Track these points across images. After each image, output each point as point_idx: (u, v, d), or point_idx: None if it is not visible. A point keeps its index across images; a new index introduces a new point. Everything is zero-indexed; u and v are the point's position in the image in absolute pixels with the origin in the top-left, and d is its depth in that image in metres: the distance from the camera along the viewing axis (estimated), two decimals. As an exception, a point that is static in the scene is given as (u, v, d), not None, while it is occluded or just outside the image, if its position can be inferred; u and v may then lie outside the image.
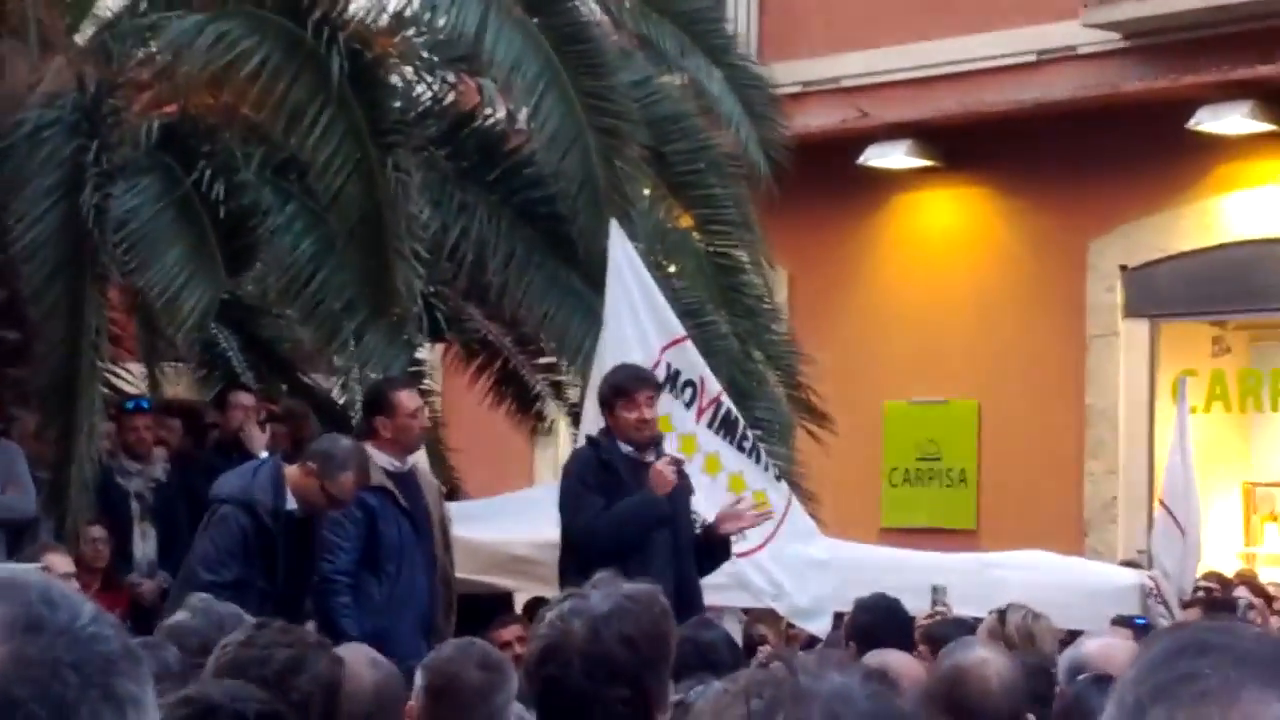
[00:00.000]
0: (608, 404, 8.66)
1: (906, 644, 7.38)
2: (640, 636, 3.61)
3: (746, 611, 10.91)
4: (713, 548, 8.97)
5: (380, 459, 8.77)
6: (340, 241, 10.27)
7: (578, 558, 8.27)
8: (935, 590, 9.86)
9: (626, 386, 8.63)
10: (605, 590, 3.68)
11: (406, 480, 8.91)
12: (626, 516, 8.39)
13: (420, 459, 9.67)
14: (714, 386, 9.78)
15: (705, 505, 9.35)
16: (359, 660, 4.70)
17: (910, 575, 9.96)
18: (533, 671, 3.68)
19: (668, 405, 9.51)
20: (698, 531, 9.04)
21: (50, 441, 10.39)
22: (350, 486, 8.36)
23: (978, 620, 9.72)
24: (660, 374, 9.42)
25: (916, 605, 9.00)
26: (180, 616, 5.92)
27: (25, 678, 1.43)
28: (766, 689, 1.80)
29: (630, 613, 3.63)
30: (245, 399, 11.73)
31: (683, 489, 8.74)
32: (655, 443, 8.67)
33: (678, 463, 8.76)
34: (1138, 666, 1.57)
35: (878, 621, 7.93)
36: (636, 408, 8.56)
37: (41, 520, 10.37)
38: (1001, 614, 7.91)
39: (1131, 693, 1.54)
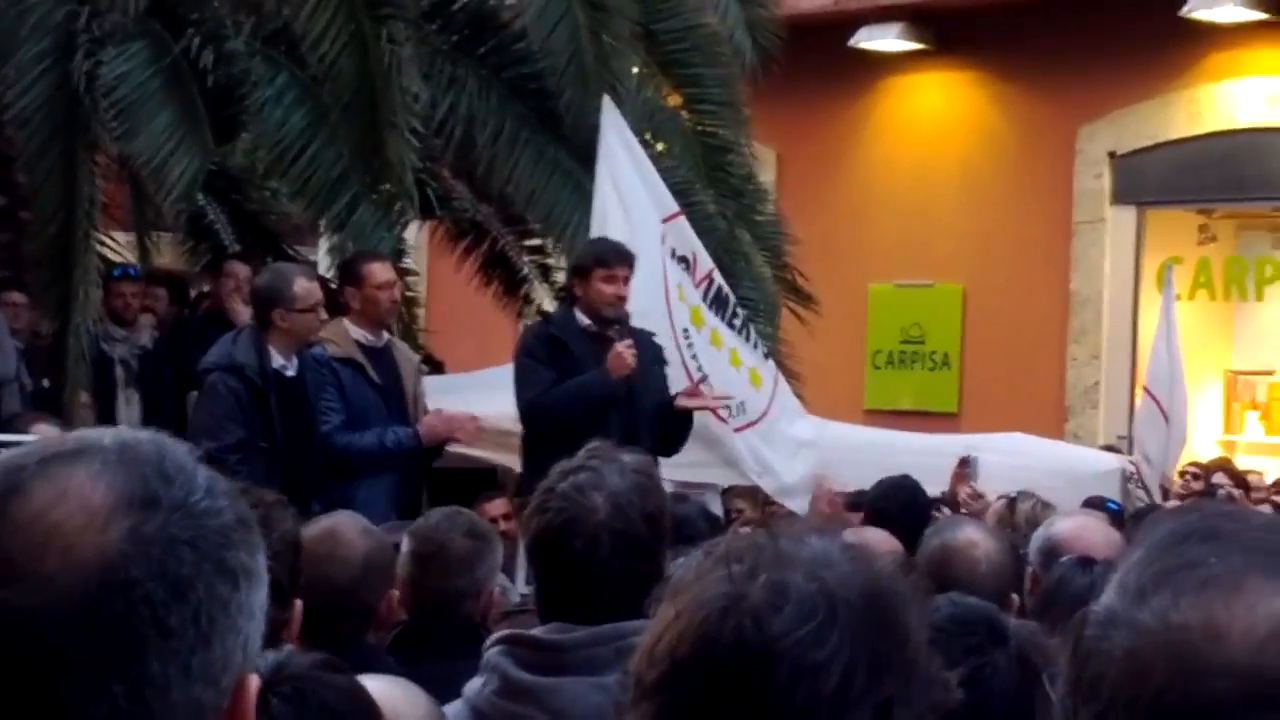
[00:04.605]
0: (584, 272, 8.51)
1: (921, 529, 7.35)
2: (659, 512, 3.56)
3: (726, 491, 10.97)
4: (676, 420, 8.80)
5: (355, 332, 8.69)
6: (333, 115, 10.19)
7: (528, 432, 8.29)
8: (967, 463, 9.98)
9: (608, 259, 8.48)
10: (611, 463, 3.59)
11: (381, 355, 8.81)
12: (573, 394, 8.26)
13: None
14: (706, 262, 9.76)
15: (713, 377, 9.32)
16: (350, 529, 4.70)
17: (895, 457, 9.99)
18: (550, 544, 3.52)
19: (679, 277, 9.53)
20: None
21: (46, 311, 10.40)
22: (312, 289, 8.26)
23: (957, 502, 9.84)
24: (667, 249, 9.42)
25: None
26: None
27: (142, 556, 1.43)
28: (748, 554, 1.82)
29: (647, 489, 3.57)
30: (239, 269, 11.62)
31: (647, 371, 8.56)
32: (619, 321, 8.48)
33: (647, 347, 8.63)
34: (1143, 549, 1.49)
35: (895, 505, 7.81)
36: (615, 282, 8.42)
37: (8, 384, 10.41)
38: (1012, 501, 7.91)
39: (1134, 578, 1.47)
